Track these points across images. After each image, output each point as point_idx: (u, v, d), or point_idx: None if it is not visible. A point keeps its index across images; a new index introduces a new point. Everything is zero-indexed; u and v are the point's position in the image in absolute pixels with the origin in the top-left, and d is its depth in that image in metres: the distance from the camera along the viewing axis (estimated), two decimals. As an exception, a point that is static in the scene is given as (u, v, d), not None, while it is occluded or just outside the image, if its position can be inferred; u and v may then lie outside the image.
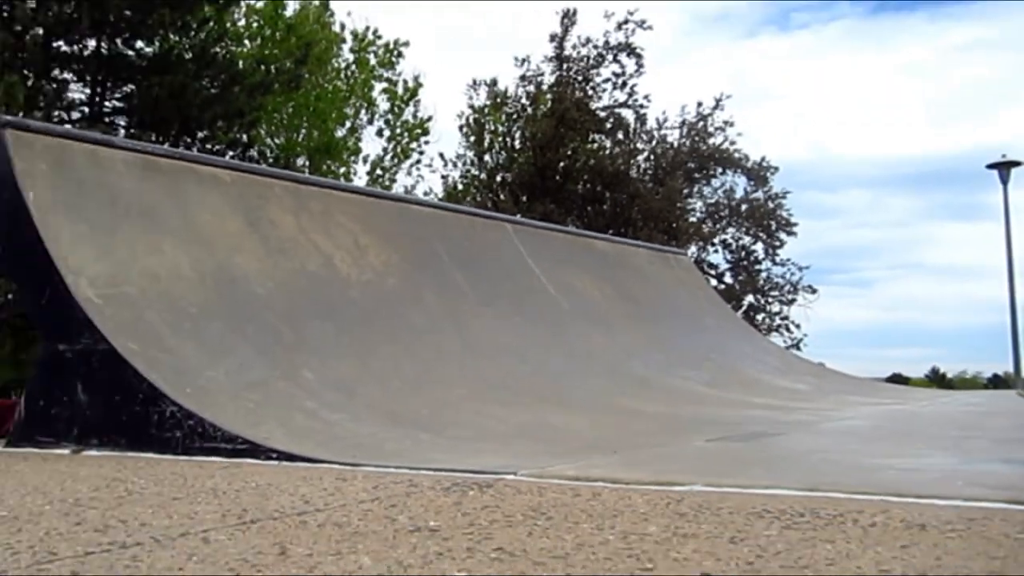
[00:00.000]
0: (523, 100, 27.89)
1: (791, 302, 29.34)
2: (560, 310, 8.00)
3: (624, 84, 26.89)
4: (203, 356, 4.69)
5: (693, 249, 26.70)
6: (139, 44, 18.34)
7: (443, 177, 28.41)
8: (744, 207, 28.82)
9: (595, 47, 26.75)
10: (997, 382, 45.13)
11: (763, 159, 28.49)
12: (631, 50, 26.56)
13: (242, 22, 27.44)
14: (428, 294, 6.73)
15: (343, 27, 30.52)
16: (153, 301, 4.89)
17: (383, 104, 31.07)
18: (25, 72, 15.42)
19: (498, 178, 27.67)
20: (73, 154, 5.29)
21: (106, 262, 4.91)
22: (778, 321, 29.32)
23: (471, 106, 28.36)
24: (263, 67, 20.95)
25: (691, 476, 2.83)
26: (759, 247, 29.50)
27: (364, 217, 6.87)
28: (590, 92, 26.98)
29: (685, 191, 27.89)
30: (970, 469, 3.17)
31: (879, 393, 9.68)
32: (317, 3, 29.53)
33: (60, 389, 4.65)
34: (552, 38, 27.33)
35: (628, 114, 27.15)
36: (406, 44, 30.79)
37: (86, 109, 18.21)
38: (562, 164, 26.78)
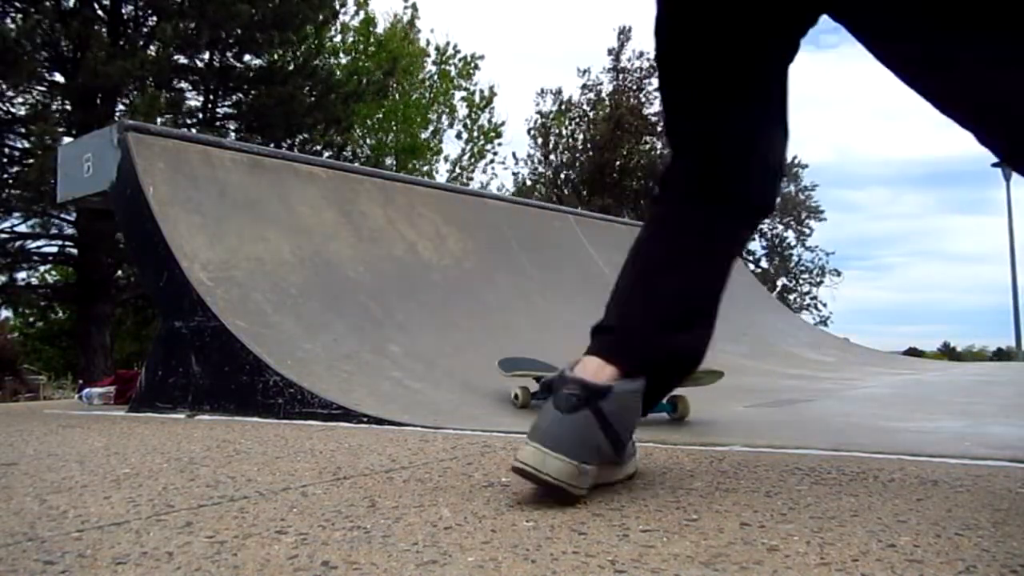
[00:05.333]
0: (584, 106, 27.97)
1: (819, 284, 29.43)
2: (617, 291, 7.97)
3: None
4: (302, 331, 4.70)
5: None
6: (248, 57, 18.51)
7: (514, 174, 28.57)
8: (777, 200, 28.81)
9: (648, 59, 26.75)
10: (1001, 355, 44.89)
11: (795, 157, 28.44)
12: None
13: (338, 38, 27.66)
14: (500, 277, 6.73)
15: (427, 42, 30.70)
16: (258, 283, 4.91)
17: (462, 110, 31.27)
18: (149, 82, 15.62)
19: (562, 175, 27.78)
20: (188, 154, 5.33)
21: (217, 249, 4.94)
22: (808, 301, 29.42)
23: (539, 112, 28.43)
24: (356, 78, 21.14)
25: (731, 438, 2.80)
26: (791, 235, 29.44)
27: (444, 209, 6.87)
28: (643, 99, 26.98)
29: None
30: (977, 431, 3.12)
31: (897, 364, 9.59)
32: (404, 21, 29.72)
33: (176, 361, 4.68)
34: (610, 52, 27.35)
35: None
36: (482, 57, 31.04)
37: (200, 115, 18.42)
38: (618, 163, 26.82)
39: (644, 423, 3.49)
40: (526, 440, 1.75)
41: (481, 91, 31.46)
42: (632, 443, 1.96)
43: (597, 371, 1.80)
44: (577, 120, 27.95)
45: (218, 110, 19.02)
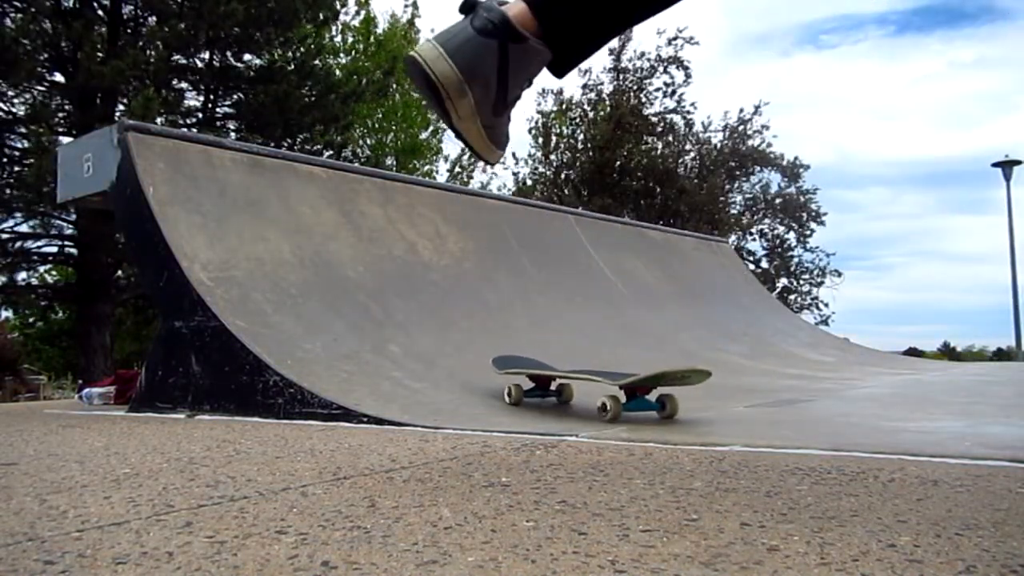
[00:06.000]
0: (585, 106, 27.92)
1: (820, 284, 29.32)
2: (616, 291, 7.97)
3: (673, 92, 26.84)
4: (302, 331, 4.70)
5: (733, 238, 26.68)
6: (247, 57, 18.49)
7: (514, 174, 28.47)
8: (778, 201, 28.75)
9: (648, 60, 26.67)
10: (1001, 355, 44.89)
11: (796, 158, 28.40)
12: (680, 63, 26.47)
13: (337, 38, 27.65)
14: (500, 276, 6.72)
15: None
16: (258, 283, 4.92)
17: (462, 110, 31.14)
18: (147, 82, 15.62)
19: (562, 175, 27.74)
20: (188, 154, 5.33)
21: (217, 249, 4.94)
22: (808, 301, 29.34)
23: (540, 112, 28.38)
24: (356, 78, 21.10)
25: (731, 437, 2.81)
26: (792, 236, 29.41)
27: (444, 209, 6.87)
28: (644, 99, 26.95)
29: (727, 186, 27.81)
30: (977, 431, 3.13)
31: (897, 364, 9.58)
32: (404, 21, 29.70)
33: (176, 361, 4.69)
34: (611, 51, 27.29)
35: (677, 119, 27.07)
36: (482, 58, 30.86)
37: (200, 115, 18.41)
38: (619, 163, 26.79)
39: (641, 421, 3.49)
40: (427, 38, 1.74)
41: (482, 91, 31.43)
42: (507, 135, 1.91)
43: (520, 16, 1.73)
44: (577, 120, 27.93)
45: (218, 110, 19.03)
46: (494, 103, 1.78)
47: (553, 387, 4.40)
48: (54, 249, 19.03)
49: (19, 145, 16.81)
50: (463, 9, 1.75)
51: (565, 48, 1.80)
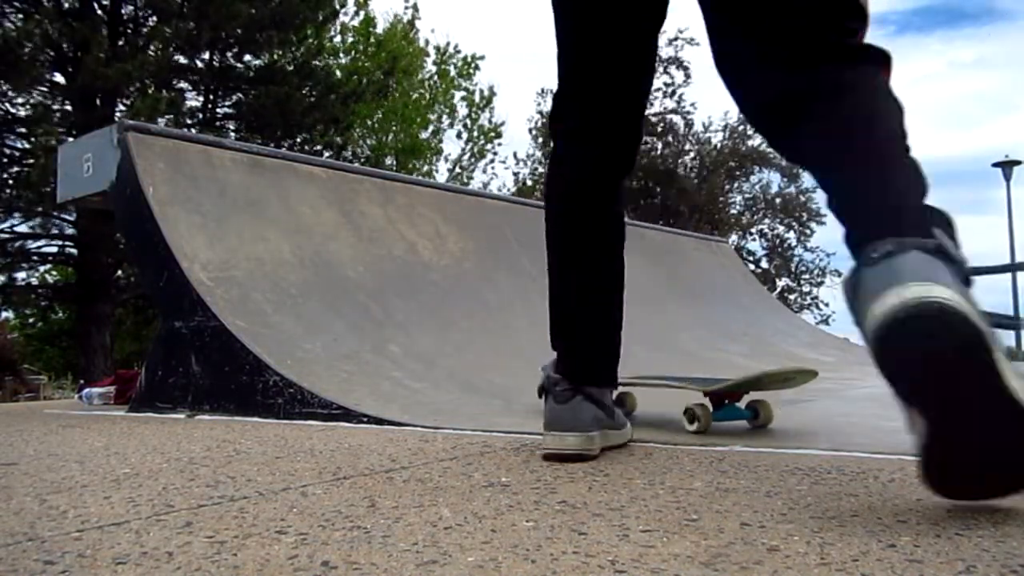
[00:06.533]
0: (585, 106, 27.86)
1: (820, 284, 29.31)
2: (616, 291, 7.95)
3: (673, 93, 26.81)
4: (302, 331, 4.70)
5: (733, 238, 26.65)
6: (247, 58, 18.51)
7: (514, 174, 28.49)
8: (778, 201, 28.68)
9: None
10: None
11: (796, 159, 28.36)
12: (680, 63, 26.44)
13: (337, 38, 27.65)
14: (500, 276, 6.71)
15: (427, 42, 30.69)
16: (258, 283, 4.91)
17: (462, 110, 31.25)
18: (147, 82, 15.63)
19: (563, 175, 27.69)
20: (188, 154, 5.32)
21: (217, 249, 4.93)
22: (808, 301, 29.31)
23: (540, 112, 28.38)
24: (356, 78, 21.14)
25: (731, 438, 2.80)
26: (792, 236, 29.40)
27: (444, 209, 6.86)
28: (644, 99, 26.89)
29: (726, 187, 27.78)
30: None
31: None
32: (404, 21, 29.71)
33: (176, 361, 4.68)
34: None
35: (677, 119, 27.03)
36: (482, 58, 31.03)
37: (200, 115, 18.42)
38: (619, 163, 26.72)
39: (643, 422, 3.48)
40: (544, 432, 2.33)
41: (481, 91, 31.51)
42: (620, 413, 2.56)
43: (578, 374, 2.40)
44: (578, 119, 27.89)
45: (218, 110, 19.03)
46: (607, 418, 2.44)
47: (613, 396, 4.11)
48: (54, 249, 19.04)
49: (19, 145, 16.83)
50: (540, 394, 2.43)
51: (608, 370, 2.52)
